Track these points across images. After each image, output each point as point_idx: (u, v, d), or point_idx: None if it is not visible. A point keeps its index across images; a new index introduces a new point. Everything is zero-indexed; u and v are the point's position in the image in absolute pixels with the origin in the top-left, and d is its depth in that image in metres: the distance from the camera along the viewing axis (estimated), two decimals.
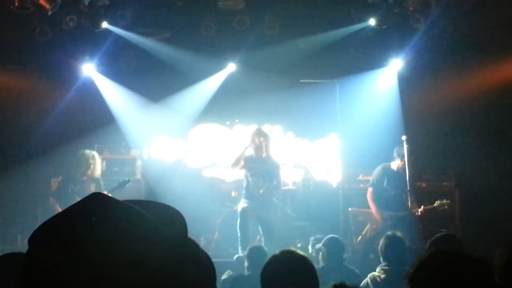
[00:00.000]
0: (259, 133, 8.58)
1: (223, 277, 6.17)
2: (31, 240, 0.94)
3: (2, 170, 9.69)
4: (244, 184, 8.55)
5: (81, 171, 8.45)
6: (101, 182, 8.56)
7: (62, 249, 0.90)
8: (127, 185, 8.07)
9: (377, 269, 5.25)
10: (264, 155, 8.48)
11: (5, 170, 9.71)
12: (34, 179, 9.83)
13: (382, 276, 5.10)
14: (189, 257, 0.99)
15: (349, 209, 9.24)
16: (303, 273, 3.09)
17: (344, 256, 6.11)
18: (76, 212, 0.96)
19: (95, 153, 8.72)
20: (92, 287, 0.89)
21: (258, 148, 8.44)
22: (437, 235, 5.13)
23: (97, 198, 0.99)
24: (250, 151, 8.52)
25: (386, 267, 5.15)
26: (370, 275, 5.24)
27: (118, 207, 0.97)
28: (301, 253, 3.25)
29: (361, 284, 5.14)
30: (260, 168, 8.42)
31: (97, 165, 8.58)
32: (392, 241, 5.31)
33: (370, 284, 5.09)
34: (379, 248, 5.35)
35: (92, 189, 8.33)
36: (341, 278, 3.27)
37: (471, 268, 2.03)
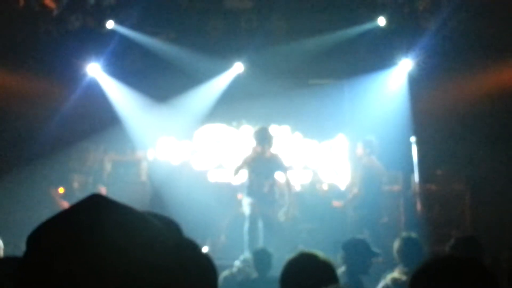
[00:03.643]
0: (263, 137, 8.41)
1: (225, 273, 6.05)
2: (29, 242, 0.91)
3: (7, 170, 9.62)
4: (248, 183, 8.45)
5: (77, 162, 8.52)
6: (103, 174, 8.64)
7: (61, 252, 0.87)
8: None
9: (396, 271, 5.09)
10: (267, 155, 8.37)
11: (10, 171, 9.64)
12: (39, 181, 9.75)
13: (403, 278, 4.96)
14: (188, 260, 0.95)
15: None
16: (325, 279, 2.85)
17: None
18: (76, 214, 0.92)
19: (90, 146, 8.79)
20: None
21: (261, 151, 8.33)
22: (454, 239, 4.98)
23: (96, 200, 0.94)
24: (252, 152, 8.41)
25: (406, 269, 5.00)
26: (390, 277, 5.08)
27: (119, 208, 0.94)
28: (323, 256, 3.06)
29: (380, 286, 5.00)
30: (263, 167, 8.32)
31: (92, 158, 8.67)
32: (408, 243, 5.19)
33: (392, 287, 4.95)
34: (395, 250, 5.20)
35: (90, 181, 8.49)
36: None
37: (472, 276, 1.92)
